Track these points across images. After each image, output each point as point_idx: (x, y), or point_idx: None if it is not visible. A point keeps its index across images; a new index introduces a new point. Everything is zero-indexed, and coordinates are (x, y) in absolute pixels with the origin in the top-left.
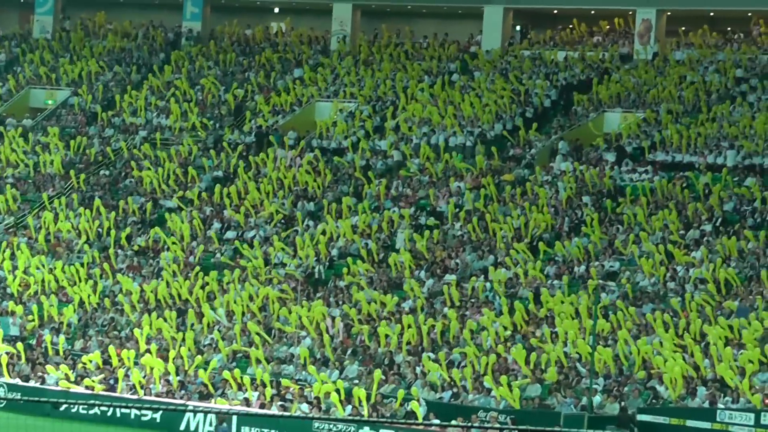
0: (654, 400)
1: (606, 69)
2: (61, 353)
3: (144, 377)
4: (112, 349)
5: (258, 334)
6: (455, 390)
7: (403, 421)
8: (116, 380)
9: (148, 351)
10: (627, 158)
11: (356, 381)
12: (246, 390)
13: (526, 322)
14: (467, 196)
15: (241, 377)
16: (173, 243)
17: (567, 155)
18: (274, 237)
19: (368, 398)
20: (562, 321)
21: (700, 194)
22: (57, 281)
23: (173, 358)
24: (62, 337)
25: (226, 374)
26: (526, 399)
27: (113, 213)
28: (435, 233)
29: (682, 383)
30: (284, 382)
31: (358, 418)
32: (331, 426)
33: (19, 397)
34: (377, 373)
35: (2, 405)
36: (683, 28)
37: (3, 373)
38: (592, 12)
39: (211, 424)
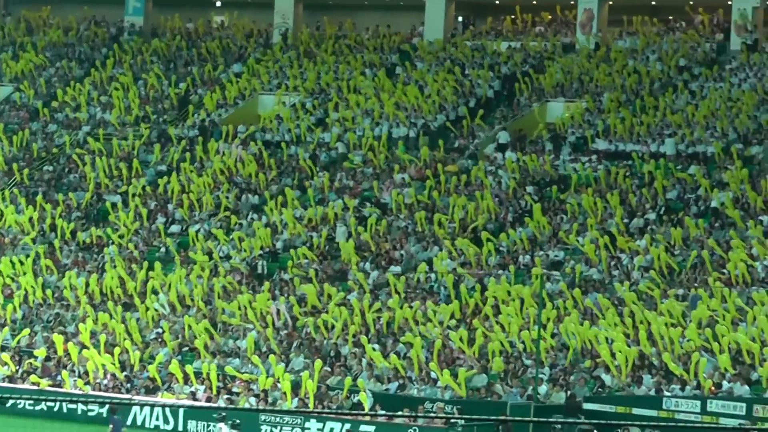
0: (600, 389)
1: (549, 59)
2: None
3: (90, 372)
4: (58, 344)
5: (203, 327)
6: (401, 381)
7: (349, 412)
8: (62, 376)
9: (94, 346)
10: (570, 147)
11: (302, 373)
12: (192, 383)
13: (472, 312)
14: (411, 188)
15: (184, 370)
16: (118, 237)
17: (510, 145)
18: (218, 230)
19: (315, 390)
20: (508, 310)
21: (643, 182)
22: (2, 276)
23: (119, 353)
24: (6, 330)
25: (173, 367)
26: (472, 389)
27: (58, 208)
28: (380, 224)
29: (627, 371)
30: (229, 370)
31: (304, 410)
32: (278, 419)
33: None
34: (318, 364)
35: None
36: (625, 17)
37: None
38: (534, 2)
39: (158, 419)
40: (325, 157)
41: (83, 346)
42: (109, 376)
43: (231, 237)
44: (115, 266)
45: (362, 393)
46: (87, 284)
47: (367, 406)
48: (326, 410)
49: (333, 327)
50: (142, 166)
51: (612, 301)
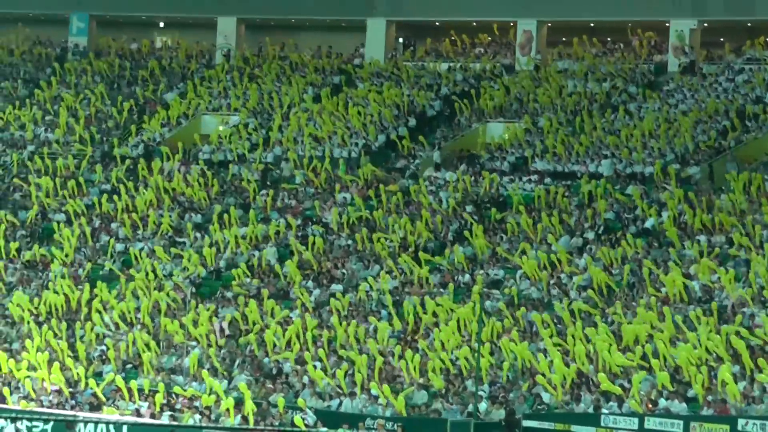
0: (539, 406)
1: (488, 79)
2: None
3: (34, 389)
4: (3, 361)
5: (147, 344)
6: (342, 398)
7: (290, 429)
8: (4, 392)
9: (38, 363)
10: (510, 167)
11: (244, 390)
12: (136, 400)
13: (412, 330)
14: (353, 207)
15: (131, 387)
16: (64, 255)
17: (450, 165)
18: (161, 248)
19: (256, 407)
20: (448, 329)
21: (582, 202)
22: None
23: (63, 370)
24: None
25: (119, 382)
26: (412, 406)
27: (2, 226)
28: (321, 243)
29: (566, 389)
30: (175, 390)
31: (246, 427)
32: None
33: None
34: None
35: None
36: (564, 39)
37: None
38: (474, 24)
39: None
40: (267, 176)
41: (29, 363)
42: (53, 392)
43: (174, 255)
44: (60, 285)
45: (297, 417)
46: (31, 301)
47: (302, 425)
48: (268, 427)
49: (275, 345)
50: (86, 186)
51: (551, 319)
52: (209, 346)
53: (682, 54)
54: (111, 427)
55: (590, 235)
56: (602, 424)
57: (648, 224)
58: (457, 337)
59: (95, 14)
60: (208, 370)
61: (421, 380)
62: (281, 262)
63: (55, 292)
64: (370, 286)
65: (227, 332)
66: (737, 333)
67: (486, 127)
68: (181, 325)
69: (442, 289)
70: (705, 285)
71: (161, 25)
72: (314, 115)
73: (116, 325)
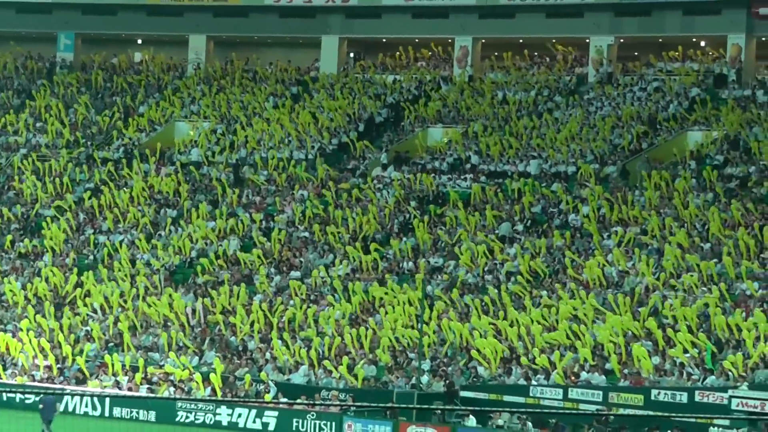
0: (475, 378)
1: (429, 89)
2: None
3: (27, 365)
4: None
5: (127, 325)
6: (301, 372)
7: (254, 400)
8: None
9: (30, 342)
10: (448, 167)
11: (213, 366)
12: (117, 374)
13: (363, 311)
14: (309, 203)
15: (113, 363)
16: (52, 246)
17: (396, 165)
18: (140, 240)
19: (224, 381)
20: (394, 310)
21: (512, 198)
22: None
23: (53, 348)
24: None
25: (107, 358)
26: (363, 379)
27: None
28: (281, 235)
29: (498, 364)
30: (150, 369)
31: (215, 398)
32: (193, 406)
33: None
34: (215, 362)
35: None
36: (496, 53)
37: None
38: (417, 40)
39: (86, 405)
40: (233, 176)
41: (22, 342)
42: (44, 368)
43: (151, 246)
44: (50, 272)
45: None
46: (24, 288)
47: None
48: (235, 398)
49: (241, 325)
50: (72, 185)
51: (485, 302)
52: (182, 326)
53: (601, 66)
54: (96, 399)
55: (519, 227)
56: (531, 394)
57: (570, 217)
58: (402, 318)
59: (80, 32)
60: (181, 348)
61: (370, 356)
62: (246, 252)
63: (45, 279)
64: (325, 273)
65: (198, 314)
66: (650, 313)
67: (427, 131)
68: (157, 308)
69: (388, 275)
70: (621, 271)
71: (139, 41)
72: (275, 121)
73: (100, 308)
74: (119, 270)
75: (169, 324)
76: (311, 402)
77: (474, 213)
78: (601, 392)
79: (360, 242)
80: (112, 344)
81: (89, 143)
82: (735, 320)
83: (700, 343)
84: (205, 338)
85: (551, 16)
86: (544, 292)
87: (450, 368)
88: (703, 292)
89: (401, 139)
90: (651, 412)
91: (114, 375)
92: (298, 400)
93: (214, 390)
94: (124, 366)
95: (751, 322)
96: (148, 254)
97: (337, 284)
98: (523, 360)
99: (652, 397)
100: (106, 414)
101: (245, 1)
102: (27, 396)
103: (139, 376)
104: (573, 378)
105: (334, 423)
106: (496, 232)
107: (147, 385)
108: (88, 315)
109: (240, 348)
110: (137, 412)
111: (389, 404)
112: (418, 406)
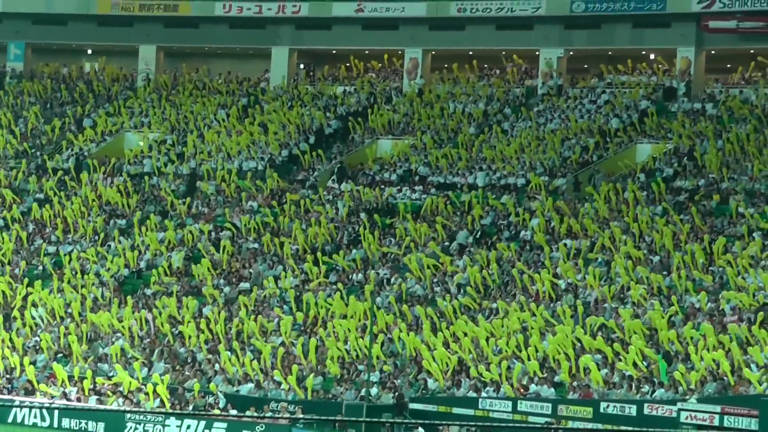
0: (424, 391)
1: (379, 101)
2: None
3: None
4: None
5: (76, 336)
6: (250, 383)
7: (204, 412)
8: None
9: None
10: (398, 179)
11: (163, 377)
12: (66, 386)
13: (312, 323)
14: (259, 214)
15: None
16: (1, 257)
17: (345, 177)
18: (89, 250)
19: (173, 392)
20: (343, 322)
21: (461, 210)
22: None
23: (2, 358)
24: None
25: (56, 368)
26: (312, 390)
27: None
28: (230, 246)
29: (448, 376)
30: (99, 380)
31: (164, 410)
32: (142, 417)
33: None
34: (156, 378)
35: None
36: (446, 65)
37: None
38: (366, 52)
39: (35, 416)
40: (183, 186)
41: None
42: None
43: (100, 257)
44: None
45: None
46: None
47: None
48: (184, 410)
49: (190, 336)
50: (22, 194)
51: (434, 314)
52: (131, 337)
53: (551, 79)
54: (44, 410)
55: (469, 239)
56: (480, 406)
57: (520, 230)
58: (352, 329)
59: (31, 42)
60: (130, 359)
61: (319, 367)
62: (195, 263)
63: None
64: (275, 284)
65: (147, 325)
66: (599, 326)
67: (377, 143)
68: (107, 319)
69: (337, 287)
70: (571, 283)
71: (89, 52)
72: (225, 132)
73: (49, 318)
74: (69, 281)
75: (118, 335)
76: (261, 415)
77: (423, 224)
78: (550, 405)
79: (310, 254)
80: (60, 355)
81: (39, 153)
82: (684, 333)
83: (650, 355)
84: (154, 349)
85: (501, 28)
86: (494, 305)
87: (399, 380)
88: (652, 305)
89: (351, 151)
90: (600, 425)
91: (62, 386)
92: (247, 412)
93: (162, 401)
94: (72, 377)
95: (700, 334)
96: (97, 265)
97: (287, 295)
98: (473, 372)
99: (601, 410)
100: (55, 425)
101: (196, 11)
102: None
103: (87, 386)
104: (522, 390)
105: None
106: (446, 243)
107: (96, 396)
108: (36, 325)
109: (189, 359)
110: (86, 423)
111: (338, 416)
112: (368, 419)
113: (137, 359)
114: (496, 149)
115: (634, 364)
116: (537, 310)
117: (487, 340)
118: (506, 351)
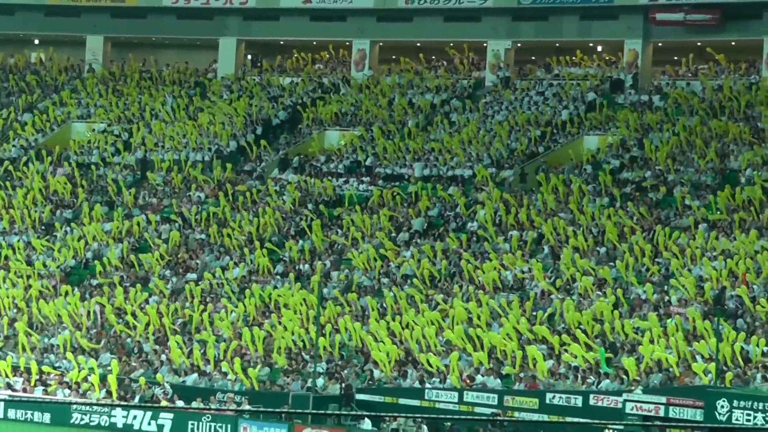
0: (370, 381)
1: (327, 92)
2: None
3: None
4: None
5: (22, 326)
6: (197, 374)
7: (150, 405)
8: None
9: None
10: (345, 170)
11: (109, 367)
12: (10, 377)
13: (259, 313)
14: (206, 205)
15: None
16: None
17: (293, 168)
18: (36, 241)
19: (120, 383)
20: (290, 313)
21: (409, 201)
22: None
23: None
24: None
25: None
26: (258, 381)
27: None
28: (177, 237)
29: (394, 366)
30: (46, 368)
31: (110, 401)
32: (88, 408)
33: None
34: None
35: None
36: (394, 57)
37: None
38: (314, 43)
39: None
40: (130, 177)
41: None
42: None
43: (47, 247)
44: None
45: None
46: None
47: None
48: (131, 401)
49: (136, 327)
50: None
51: (381, 305)
52: (78, 327)
53: (498, 71)
54: None
55: (425, 225)
56: (426, 397)
57: (467, 221)
58: (298, 320)
59: None
60: (76, 349)
61: (266, 358)
62: (142, 254)
63: None
64: (221, 275)
65: (93, 315)
66: (545, 317)
67: (324, 134)
68: (53, 310)
69: (284, 278)
70: (517, 275)
71: (36, 42)
72: (172, 123)
73: None
74: (15, 271)
75: (64, 325)
76: (208, 406)
77: (371, 215)
78: (496, 395)
79: (256, 245)
80: (6, 345)
81: None
82: (630, 324)
83: (595, 347)
84: (100, 340)
85: (449, 20)
86: (440, 296)
87: (345, 371)
88: (598, 296)
89: (298, 142)
90: (546, 416)
91: (6, 377)
92: (194, 403)
93: (109, 392)
94: (18, 367)
95: (646, 325)
96: (43, 255)
97: (234, 286)
98: (420, 362)
99: (547, 401)
100: (0, 416)
101: (143, 2)
102: None
103: (33, 377)
104: (468, 381)
105: (229, 425)
106: (393, 235)
107: (41, 387)
108: None
109: (135, 350)
110: (32, 414)
111: (284, 407)
112: (314, 411)
113: (84, 350)
114: (443, 141)
115: (579, 355)
116: (483, 301)
117: (433, 330)
118: (453, 342)
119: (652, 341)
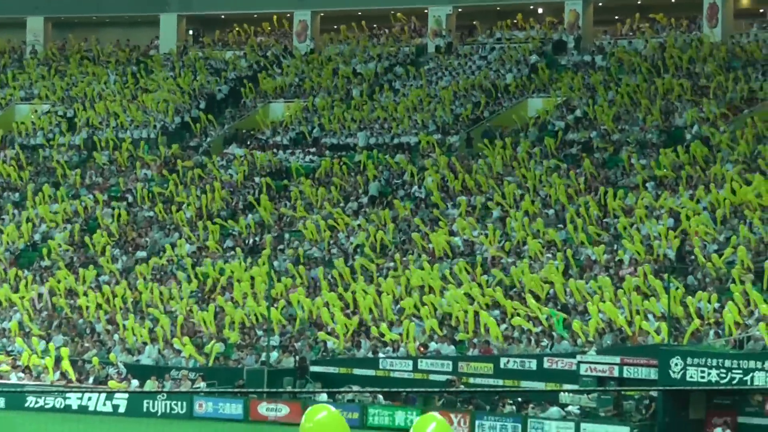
0: (324, 353)
1: (269, 64)
2: None
3: None
4: None
5: None
6: (150, 352)
7: (102, 387)
8: None
9: None
10: (291, 142)
11: (62, 349)
12: None
13: (210, 289)
14: (153, 182)
15: None
16: None
17: (238, 141)
18: None
19: (73, 364)
20: (241, 287)
21: (356, 171)
22: None
23: None
24: None
25: None
26: (213, 357)
27: None
28: (125, 215)
29: (347, 337)
30: None
31: (64, 385)
32: (42, 391)
33: None
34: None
35: None
36: (335, 27)
37: None
38: (255, 15)
39: None
40: (75, 157)
41: None
42: None
43: None
44: None
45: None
46: None
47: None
48: (84, 383)
49: (88, 307)
50: None
51: (332, 275)
52: (28, 310)
53: (440, 37)
54: None
55: (364, 200)
56: (380, 366)
57: (414, 188)
58: (250, 294)
59: None
60: (27, 332)
61: (218, 334)
62: (91, 234)
63: None
64: (171, 252)
65: (44, 298)
66: (496, 281)
67: (269, 106)
68: (3, 293)
69: (234, 252)
70: (467, 240)
71: None
72: (116, 101)
73: None
74: None
75: (15, 308)
76: (161, 384)
77: (319, 186)
78: (450, 362)
79: (205, 220)
80: None
81: None
82: (581, 286)
83: (547, 310)
84: (52, 322)
85: None
86: (391, 264)
87: (299, 344)
88: (548, 259)
89: (243, 116)
90: (501, 381)
91: None
92: (148, 381)
93: (63, 374)
94: None
95: (596, 287)
96: None
97: (184, 262)
98: (374, 331)
99: (502, 366)
100: None
101: None
102: None
103: None
104: (422, 349)
105: (184, 402)
106: (342, 205)
107: None
108: None
109: (87, 330)
110: None
111: (240, 381)
112: (269, 389)
113: (35, 332)
114: (388, 109)
115: (531, 318)
116: (434, 267)
117: (386, 299)
118: (405, 310)
119: (603, 301)
